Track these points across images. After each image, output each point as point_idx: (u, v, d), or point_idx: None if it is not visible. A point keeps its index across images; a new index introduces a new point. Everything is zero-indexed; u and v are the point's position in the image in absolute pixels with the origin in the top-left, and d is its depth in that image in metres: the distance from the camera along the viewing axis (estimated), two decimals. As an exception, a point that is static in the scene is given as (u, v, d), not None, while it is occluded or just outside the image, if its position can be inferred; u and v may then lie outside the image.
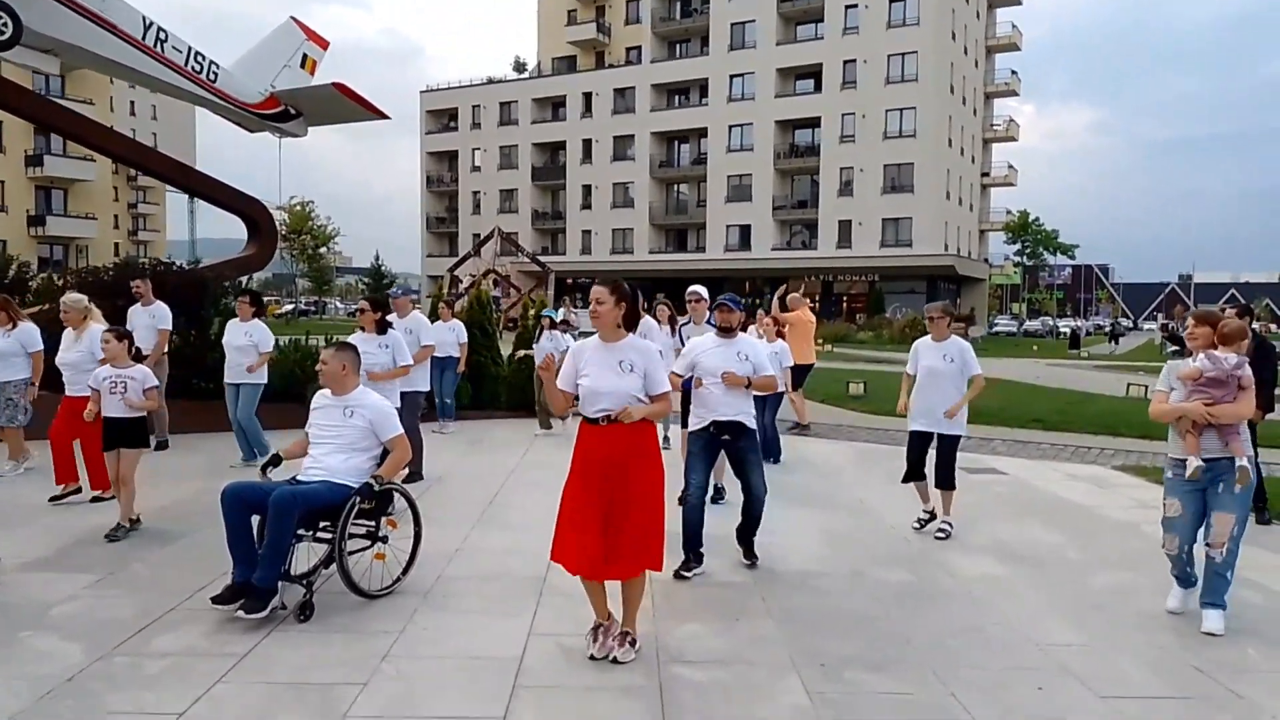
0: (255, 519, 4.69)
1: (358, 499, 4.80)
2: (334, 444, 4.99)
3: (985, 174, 62.93)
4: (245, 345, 8.60)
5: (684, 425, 6.05)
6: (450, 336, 11.49)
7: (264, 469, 5.10)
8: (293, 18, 15.94)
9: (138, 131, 68.42)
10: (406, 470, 7.99)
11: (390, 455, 5.07)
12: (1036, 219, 63.45)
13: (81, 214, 53.04)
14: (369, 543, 5.05)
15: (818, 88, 55.09)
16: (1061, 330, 59.31)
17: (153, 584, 5.15)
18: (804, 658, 4.32)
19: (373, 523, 5.06)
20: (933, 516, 6.83)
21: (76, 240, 53.09)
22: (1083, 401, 15.18)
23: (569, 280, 55.18)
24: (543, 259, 48.38)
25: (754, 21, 56.59)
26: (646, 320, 8.82)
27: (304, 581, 4.70)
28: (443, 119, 68.90)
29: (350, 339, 7.41)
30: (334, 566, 4.82)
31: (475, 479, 8.56)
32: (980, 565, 6.01)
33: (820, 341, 37.35)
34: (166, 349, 9.48)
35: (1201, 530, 4.96)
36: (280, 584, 4.63)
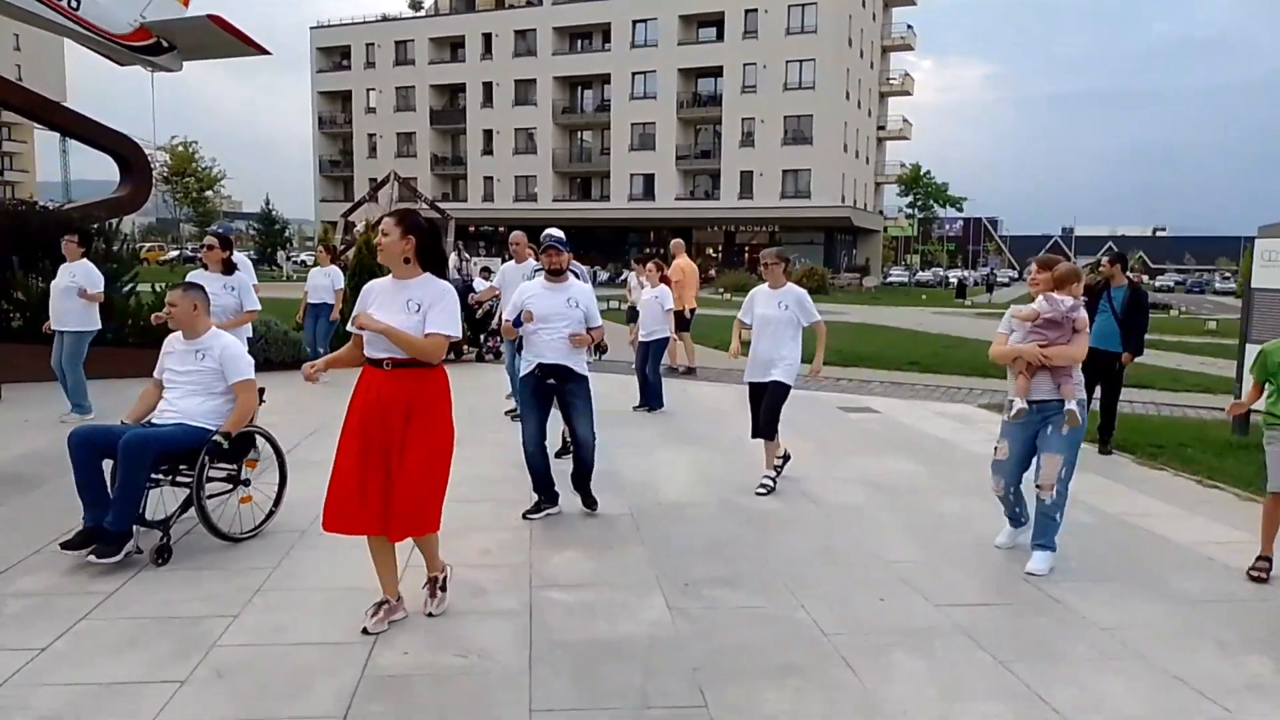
0: (108, 464, 4.57)
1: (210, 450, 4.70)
2: (188, 385, 4.87)
3: (881, 127, 64.31)
4: (69, 286, 8.03)
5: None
6: (325, 281, 11.28)
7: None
8: (163, -56, 14.99)
9: (-2, 62, 63.43)
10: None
11: (237, 402, 4.89)
12: (928, 172, 65.32)
13: (-64, 151, 49.18)
14: (231, 486, 5.00)
15: (720, 36, 55.05)
16: (951, 280, 61.64)
17: (10, 530, 5.03)
18: (668, 578, 4.57)
19: (234, 466, 5.00)
20: (779, 471, 6.52)
21: (-68, 179, 49.25)
22: (958, 346, 15.97)
23: (471, 228, 54.31)
24: (443, 205, 47.26)
25: (657, -34, 55.98)
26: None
27: (161, 526, 4.61)
28: (334, 57, 66.13)
29: (192, 277, 7.15)
30: (193, 510, 4.74)
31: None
32: (842, 494, 6.39)
33: (722, 291, 38.14)
34: None
35: (1031, 472, 5.06)
36: (136, 529, 4.53)
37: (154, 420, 4.85)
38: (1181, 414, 10.21)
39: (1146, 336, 8.22)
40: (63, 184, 75.92)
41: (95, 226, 11.54)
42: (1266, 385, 5.04)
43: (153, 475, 4.68)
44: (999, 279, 61.87)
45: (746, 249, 57.10)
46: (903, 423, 9.38)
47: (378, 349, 3.82)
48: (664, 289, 9.87)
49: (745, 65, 54.12)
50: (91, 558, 4.37)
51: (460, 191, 61.96)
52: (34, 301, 9.95)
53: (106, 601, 4.07)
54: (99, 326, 8.36)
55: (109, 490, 4.54)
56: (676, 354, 12.48)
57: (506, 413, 8.70)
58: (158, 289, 11.39)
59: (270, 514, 5.19)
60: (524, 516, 5.55)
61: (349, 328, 3.95)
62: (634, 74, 56.86)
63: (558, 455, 6.34)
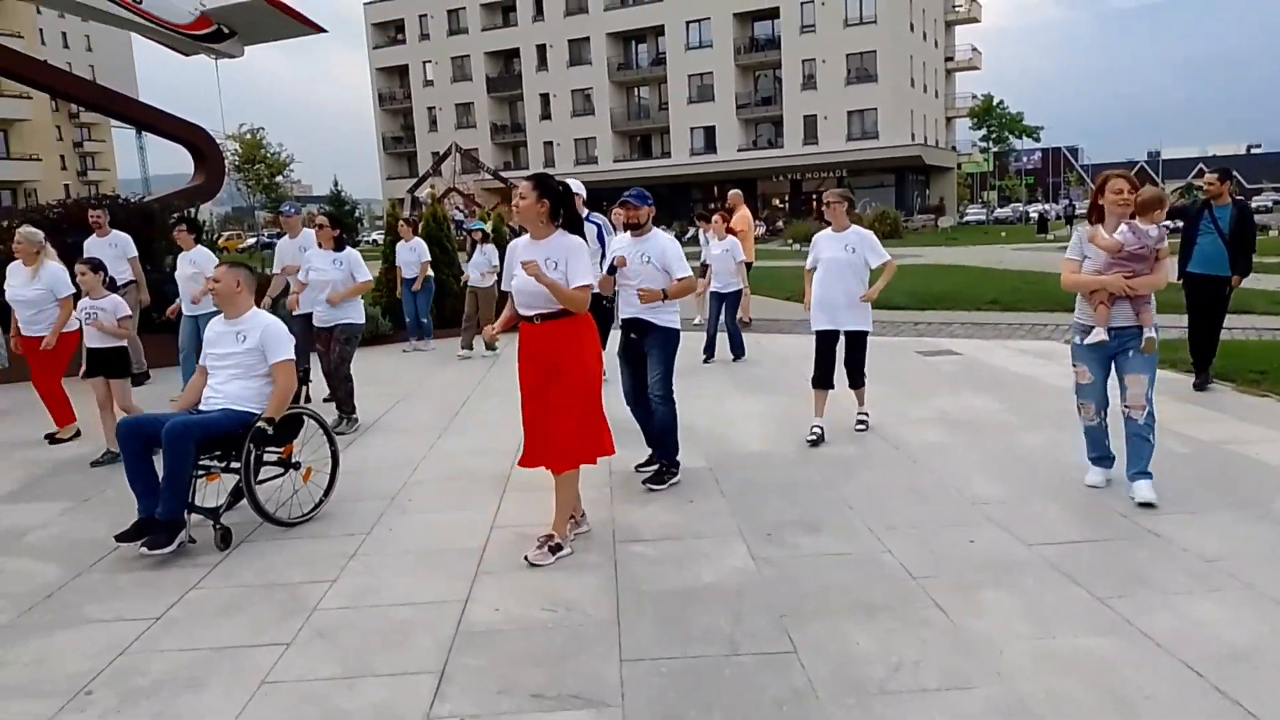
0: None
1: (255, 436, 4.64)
2: (229, 371, 4.82)
3: (949, 58, 62.08)
4: (194, 274, 8.47)
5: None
6: (412, 256, 11.44)
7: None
8: (218, -68, 15.24)
9: (73, 65, 65.75)
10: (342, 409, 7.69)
11: (275, 386, 4.80)
12: (1001, 102, 62.91)
13: (25, 155, 51.52)
14: (283, 470, 4.96)
15: (775, -24, 53.65)
16: (1031, 215, 59.52)
17: (124, 508, 5.28)
18: (750, 527, 4.57)
19: (280, 450, 4.94)
20: (822, 436, 6.23)
21: (24, 183, 51.58)
22: (1039, 281, 15.44)
23: (534, 193, 54.45)
24: (505, 174, 47.60)
25: (705, -90, 54.65)
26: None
27: (212, 514, 4.59)
28: (389, 31, 66.64)
29: (310, 254, 7.40)
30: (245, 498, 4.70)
31: (441, 392, 8.71)
32: (922, 434, 6.28)
33: (791, 242, 37.54)
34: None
35: (1115, 401, 4.92)
36: (189, 517, 4.50)
37: (201, 407, 4.81)
38: (1283, 336, 9.72)
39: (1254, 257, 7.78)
40: (142, 179, 78.53)
41: (175, 216, 11.94)
42: None
43: (204, 463, 4.65)
44: (1080, 210, 59.37)
45: (813, 197, 56.10)
46: (984, 362, 9.15)
47: (525, 306, 4.28)
48: (733, 240, 9.83)
49: (803, 4, 52.68)
50: (144, 549, 4.34)
51: (521, 158, 62.16)
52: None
53: (212, 572, 4.27)
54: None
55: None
56: (747, 308, 12.43)
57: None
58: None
59: (323, 499, 5.06)
60: (636, 469, 5.50)
61: (504, 286, 4.53)
62: (688, 23, 55.88)
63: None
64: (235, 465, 4.67)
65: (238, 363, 4.82)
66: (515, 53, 61.97)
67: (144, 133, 45.29)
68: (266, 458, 4.84)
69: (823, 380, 6.38)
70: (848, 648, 3.30)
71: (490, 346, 11.14)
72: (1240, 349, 8.69)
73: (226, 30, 15.01)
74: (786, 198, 56.88)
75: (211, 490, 4.77)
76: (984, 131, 63.31)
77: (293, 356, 4.95)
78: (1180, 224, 7.95)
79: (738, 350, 9.77)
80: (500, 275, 7.64)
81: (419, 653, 3.37)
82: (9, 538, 4.84)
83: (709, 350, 9.73)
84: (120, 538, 4.43)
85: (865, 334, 6.38)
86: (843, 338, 6.39)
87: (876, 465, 5.64)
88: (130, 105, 15.12)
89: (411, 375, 9.73)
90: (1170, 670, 3.05)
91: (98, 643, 3.53)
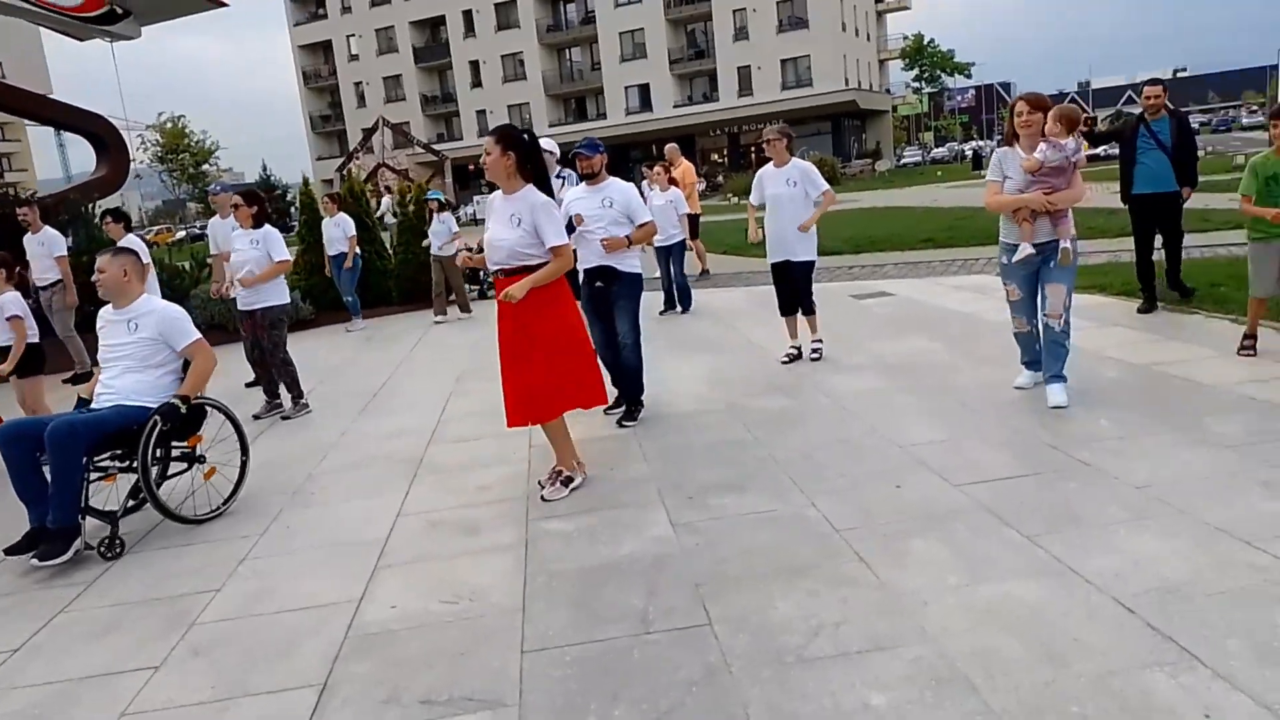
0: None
1: (157, 421, 4.33)
2: (123, 364, 4.52)
3: (879, 0, 61.74)
4: None
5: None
6: (337, 232, 10.98)
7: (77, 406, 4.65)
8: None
9: (-23, 62, 62.70)
10: (289, 395, 7.43)
11: (192, 366, 4.59)
12: (932, 41, 62.86)
13: (-69, 160, 49.06)
14: (187, 465, 4.68)
15: (699, -74, 52.75)
16: (966, 154, 59.85)
17: (8, 518, 4.90)
18: (671, 491, 4.33)
19: (182, 443, 4.65)
20: (799, 355, 6.83)
21: (-67, 190, 49.28)
22: (972, 216, 15.36)
23: (470, 167, 53.34)
24: (438, 146, 46.49)
25: None
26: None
27: (109, 518, 4.28)
28: (310, 6, 64.50)
29: (234, 235, 6.92)
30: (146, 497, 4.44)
31: (363, 374, 8.33)
32: (856, 381, 6.08)
33: (731, 196, 37.24)
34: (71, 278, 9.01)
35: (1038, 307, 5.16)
36: (85, 521, 4.22)
37: (93, 405, 4.49)
38: (1213, 254, 9.70)
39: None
40: (65, 178, 75.68)
41: (68, 212, 11.32)
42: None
43: (101, 464, 4.36)
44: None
45: (751, 150, 55.76)
46: (919, 301, 9.00)
47: (495, 261, 4.24)
48: (676, 192, 9.76)
49: (729, -46, 51.91)
50: (35, 561, 4.03)
51: (455, 129, 60.86)
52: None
53: (89, 589, 3.91)
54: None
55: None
56: (701, 260, 12.32)
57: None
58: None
59: (234, 493, 4.80)
60: (605, 412, 5.61)
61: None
62: (615, -21, 54.83)
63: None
64: (134, 464, 4.33)
65: (130, 354, 4.52)
66: (441, 20, 60.36)
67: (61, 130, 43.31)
68: (171, 452, 4.54)
69: (788, 308, 6.82)
70: (766, 615, 3.07)
71: (465, 309, 10.98)
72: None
73: (120, 10, 14.19)
74: (725, 152, 56.48)
75: (114, 494, 4.45)
76: (916, 72, 63.27)
77: (199, 335, 4.68)
78: (1115, 147, 7.78)
79: (685, 303, 9.67)
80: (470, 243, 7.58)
81: (303, 664, 3.07)
82: None
83: (669, 303, 9.63)
84: (9, 550, 4.13)
85: (811, 263, 6.67)
86: (788, 270, 6.66)
87: (808, 417, 5.42)
88: (19, 97, 14.25)
89: (333, 359, 9.32)
90: (1102, 610, 2.87)
91: (-55, 683, 3.18)
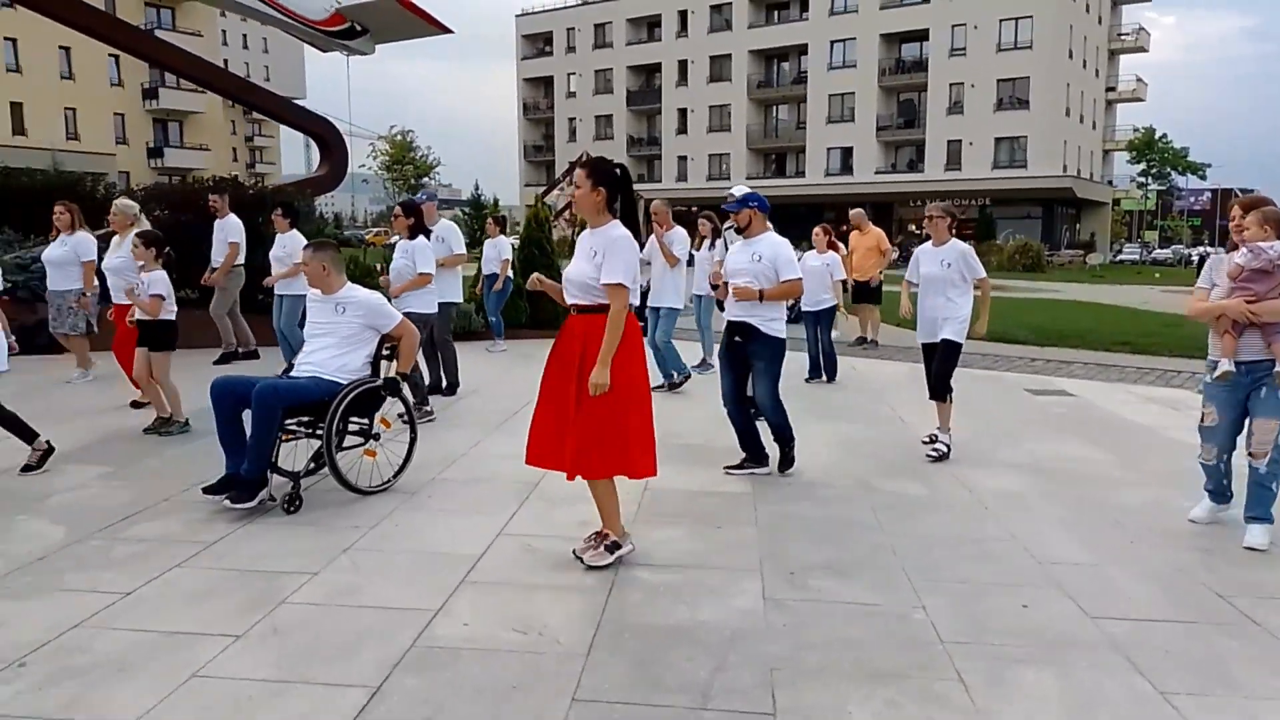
0: (249, 413, 4.68)
1: (347, 395, 4.84)
2: (326, 340, 5.01)
3: (1110, 89, 58.55)
4: (282, 256, 8.70)
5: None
6: (493, 253, 11.37)
7: (284, 373, 5.17)
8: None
9: (250, 64, 70.47)
10: (445, 383, 7.96)
11: (402, 342, 5.15)
12: (1164, 135, 58.85)
13: (196, 145, 55.29)
14: (363, 440, 5.08)
15: (925, -2, 52.00)
16: (1191, 258, 55.39)
17: (158, 476, 5.31)
18: (774, 564, 4.10)
19: (365, 421, 5.09)
20: (935, 441, 6.25)
21: (193, 171, 55.43)
22: (1180, 324, 14.07)
23: (664, 207, 54.51)
24: (637, 187, 47.82)
25: (858, -71, 53.57)
26: (677, 231, 8.54)
27: (293, 476, 4.77)
28: (538, 43, 68.33)
29: (397, 244, 7.39)
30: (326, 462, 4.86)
31: (506, 393, 8.51)
32: (1005, 480, 5.61)
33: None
34: (241, 262, 9.69)
35: (1242, 438, 4.54)
36: (272, 476, 4.70)
37: (293, 374, 5.01)
38: None
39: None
40: (307, 175, 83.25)
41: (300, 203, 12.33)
42: None
43: (291, 427, 4.84)
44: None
45: (951, 225, 53.96)
46: (1099, 407, 8.26)
47: (569, 295, 4.07)
48: (834, 256, 9.39)
49: (954, 26, 50.76)
50: (227, 502, 4.56)
51: (655, 172, 62.42)
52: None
53: (205, 550, 4.14)
54: (305, 292, 8.96)
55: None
56: (866, 326, 12.07)
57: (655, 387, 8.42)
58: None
59: (400, 470, 5.23)
60: (725, 470, 5.58)
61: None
62: (832, 42, 54.80)
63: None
64: (319, 431, 4.82)
65: (332, 332, 5.01)
66: (657, 67, 62.38)
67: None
68: (350, 427, 4.99)
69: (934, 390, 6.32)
70: (836, 717, 2.81)
71: None
72: None
73: (359, 28, 15.55)
74: (924, 224, 54.89)
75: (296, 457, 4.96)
76: (1143, 166, 59.34)
77: (403, 316, 5.23)
78: None
79: (830, 371, 9.28)
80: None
81: (363, 665, 3.08)
82: (36, 498, 4.88)
83: (814, 371, 9.28)
84: (206, 490, 4.64)
85: (954, 346, 6.12)
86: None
87: (941, 510, 5.03)
88: (265, 97, 15.82)
89: (477, 375, 9.60)
90: (1234, 799, 2.44)
91: (58, 613, 3.42)
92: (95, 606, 3.49)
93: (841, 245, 11.48)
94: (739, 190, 5.70)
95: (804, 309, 9.28)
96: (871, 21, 53.27)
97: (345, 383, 4.88)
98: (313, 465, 5.03)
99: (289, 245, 8.72)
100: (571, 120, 66.09)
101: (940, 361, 6.10)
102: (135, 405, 7.17)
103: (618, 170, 4.03)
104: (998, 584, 3.95)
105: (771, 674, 3.08)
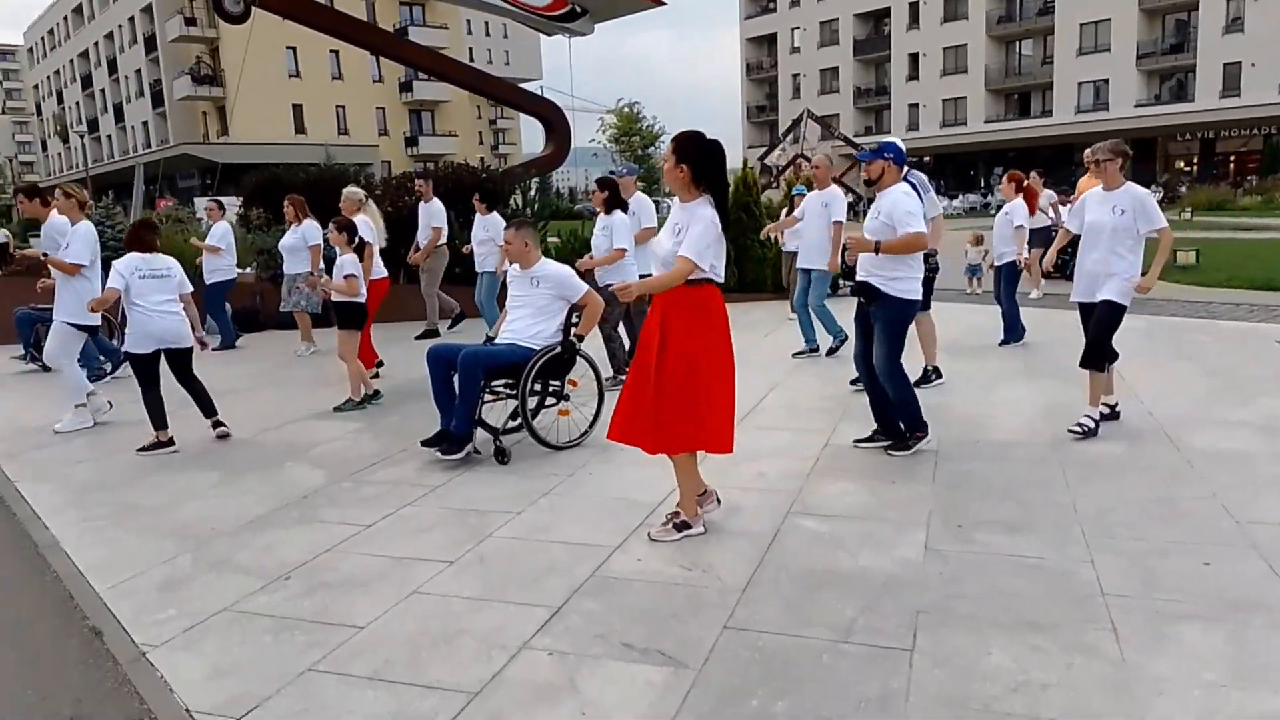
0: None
1: (540, 359, 5.37)
2: (524, 309, 5.57)
3: None
4: (484, 238, 9.52)
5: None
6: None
7: (486, 341, 5.85)
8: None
9: (492, 51, 74.95)
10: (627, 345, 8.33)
11: (586, 310, 5.61)
12: None
13: (446, 132, 59.88)
14: (555, 401, 5.62)
15: (1198, -98, 45.99)
16: None
17: (399, 432, 6.14)
18: (943, 518, 4.18)
19: (558, 382, 5.63)
20: (1114, 412, 5.67)
21: (444, 157, 60.01)
22: None
23: (893, 159, 52.31)
24: (865, 139, 46.33)
25: None
26: (833, 190, 8.25)
27: (494, 431, 5.39)
28: (761, 1, 67.47)
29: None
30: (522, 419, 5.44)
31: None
32: (1225, 438, 5.24)
33: (1187, 211, 32.45)
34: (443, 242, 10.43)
35: None
36: (476, 431, 5.34)
37: (496, 341, 5.63)
38: None
39: None
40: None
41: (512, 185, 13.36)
42: None
43: (496, 388, 5.47)
44: None
45: (1231, 159, 47.79)
46: (1368, 359, 7.33)
47: (653, 269, 4.19)
48: (1017, 203, 8.40)
49: (1232, -68, 44.65)
50: (438, 454, 5.26)
51: (884, 122, 60.00)
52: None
53: (431, 493, 4.83)
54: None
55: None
56: None
57: (794, 354, 8.39)
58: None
59: (587, 430, 5.70)
60: (853, 443, 5.40)
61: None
62: (1084, -33, 49.92)
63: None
64: (516, 393, 5.40)
65: (529, 303, 5.55)
66: (886, 13, 59.67)
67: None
68: (549, 387, 5.58)
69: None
70: (975, 659, 2.93)
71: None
72: None
73: (579, 9, 16.34)
74: (1196, 160, 49.07)
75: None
76: None
77: (589, 288, 5.72)
78: None
79: (1011, 334, 8.47)
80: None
81: (550, 589, 3.56)
82: (304, 448, 5.84)
83: (1011, 333, 8.54)
84: (424, 443, 5.37)
85: (1114, 308, 5.34)
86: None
87: (1140, 470, 4.81)
88: (495, 84, 17.06)
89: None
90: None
91: (316, 540, 4.19)
92: (343, 535, 4.23)
93: (1049, 193, 10.67)
94: (887, 140, 5.40)
95: (993, 264, 8.79)
96: (1130, -64, 47.92)
97: (539, 349, 5.41)
98: (511, 422, 5.59)
99: (490, 227, 9.51)
100: (795, 76, 64.86)
101: (1098, 326, 5.37)
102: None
103: (704, 145, 3.90)
104: (1182, 543, 3.80)
105: (917, 616, 3.23)
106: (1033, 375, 7.26)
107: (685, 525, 4.09)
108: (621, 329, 7.56)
